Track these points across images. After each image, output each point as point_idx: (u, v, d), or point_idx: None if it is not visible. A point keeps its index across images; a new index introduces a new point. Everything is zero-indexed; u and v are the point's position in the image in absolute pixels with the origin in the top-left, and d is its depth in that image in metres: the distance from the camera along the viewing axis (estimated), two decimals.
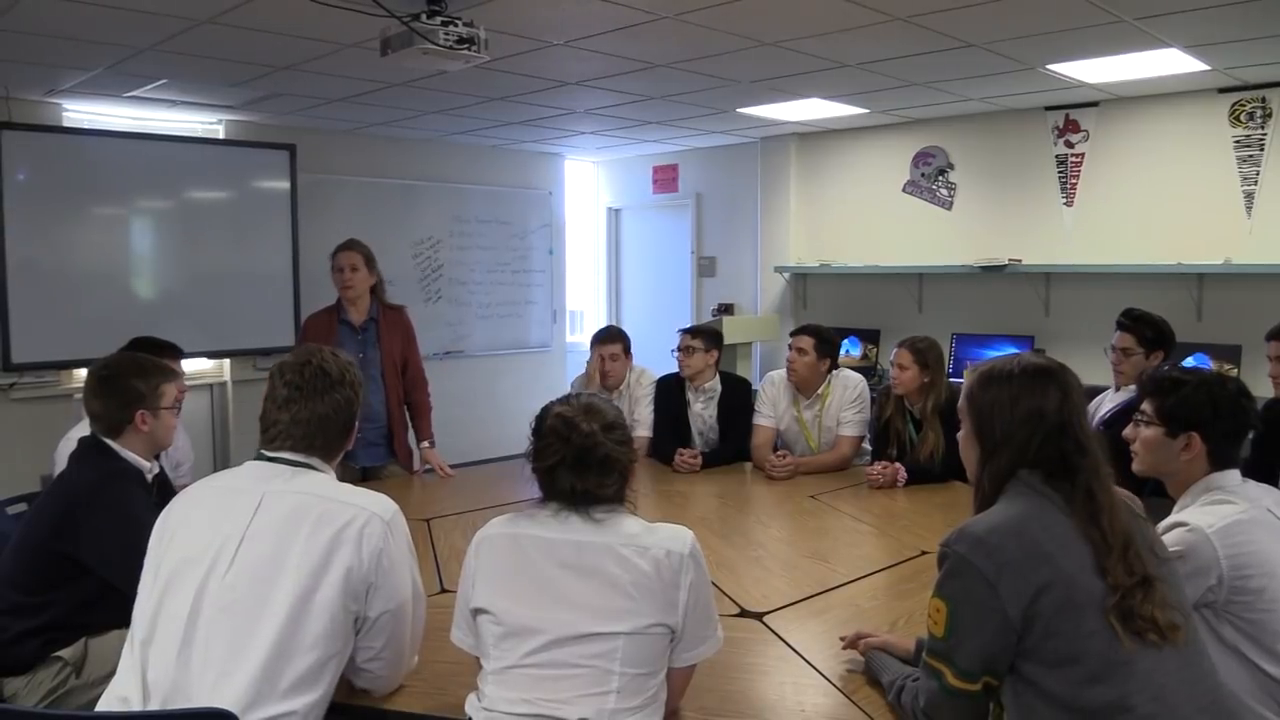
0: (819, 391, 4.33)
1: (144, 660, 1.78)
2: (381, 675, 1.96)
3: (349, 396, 2.01)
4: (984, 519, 1.72)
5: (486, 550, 1.86)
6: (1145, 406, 2.24)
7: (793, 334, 4.40)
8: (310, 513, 1.84)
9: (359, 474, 4.22)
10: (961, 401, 1.89)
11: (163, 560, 1.86)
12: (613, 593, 1.75)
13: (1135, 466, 2.26)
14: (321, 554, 1.80)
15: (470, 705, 1.80)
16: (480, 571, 1.85)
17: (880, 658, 2.05)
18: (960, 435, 1.91)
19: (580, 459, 1.82)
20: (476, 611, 1.82)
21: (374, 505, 1.90)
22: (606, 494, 1.84)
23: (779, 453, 4.23)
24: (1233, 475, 2.17)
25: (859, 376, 4.43)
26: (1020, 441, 1.75)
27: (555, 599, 1.76)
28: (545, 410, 1.92)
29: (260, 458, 1.97)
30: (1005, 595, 1.60)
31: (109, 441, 2.57)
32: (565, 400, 1.94)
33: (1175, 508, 2.18)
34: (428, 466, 4.29)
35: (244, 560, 1.80)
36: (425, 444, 4.32)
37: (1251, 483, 2.18)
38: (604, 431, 1.85)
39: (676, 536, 1.83)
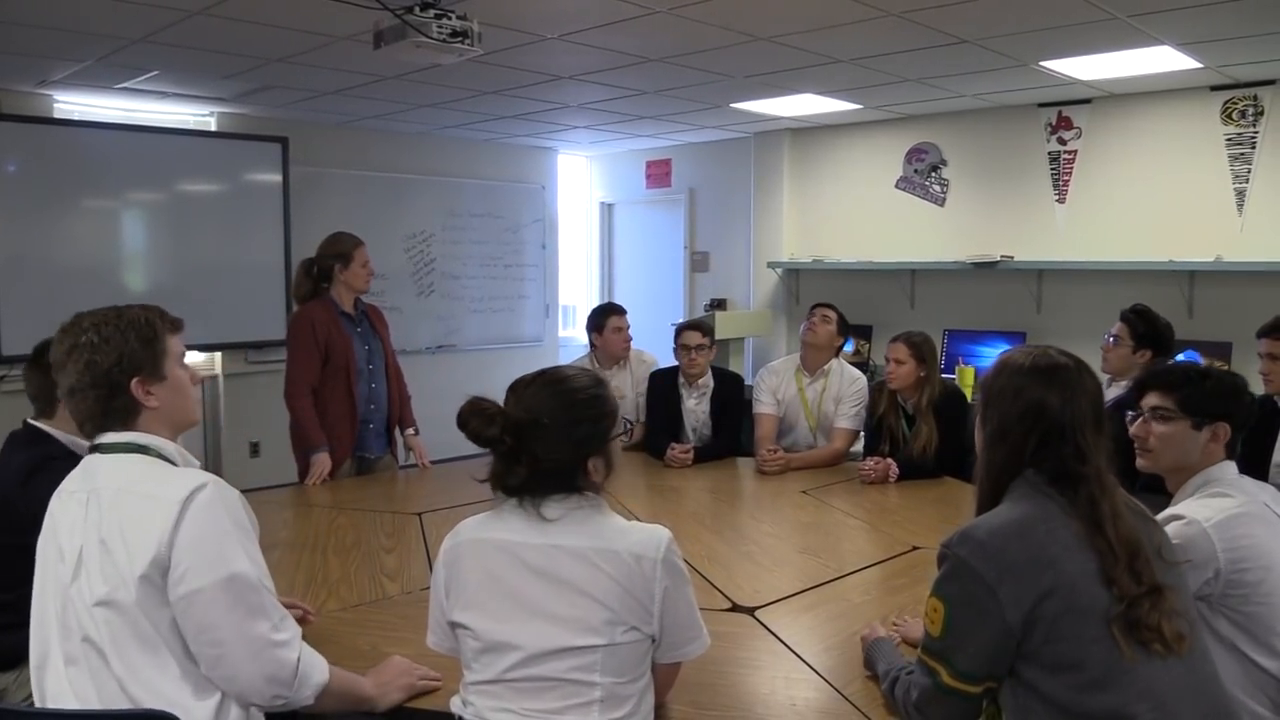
0: (824, 368, 4.39)
1: (41, 685, 1.71)
2: (219, 675, 1.67)
3: (88, 359, 1.76)
4: (986, 521, 1.67)
5: (454, 561, 1.79)
6: (1162, 402, 2.19)
7: (816, 306, 4.53)
8: (108, 506, 1.70)
9: (359, 464, 4.23)
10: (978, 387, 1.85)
11: (34, 583, 1.78)
12: (585, 602, 1.69)
13: (1146, 464, 2.23)
14: (117, 550, 1.66)
15: (455, 706, 1.78)
16: (452, 583, 1.78)
17: (880, 645, 2.03)
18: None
19: (500, 457, 1.77)
20: (454, 624, 1.78)
21: (169, 488, 1.69)
22: (544, 489, 1.75)
23: (771, 448, 4.24)
24: (1230, 468, 2.17)
25: (860, 373, 4.50)
26: (1016, 438, 1.71)
27: (528, 610, 1.70)
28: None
29: (92, 450, 1.83)
30: (1005, 600, 1.58)
31: (40, 425, 2.54)
32: (522, 382, 1.83)
33: (1173, 501, 2.18)
34: (411, 459, 4.34)
35: (83, 573, 1.69)
36: (410, 431, 4.36)
37: (1247, 478, 2.18)
38: (519, 431, 1.74)
39: (649, 540, 1.73)
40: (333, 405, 4.04)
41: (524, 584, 1.72)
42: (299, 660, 1.72)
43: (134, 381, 1.79)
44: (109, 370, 1.78)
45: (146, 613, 1.65)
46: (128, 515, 1.69)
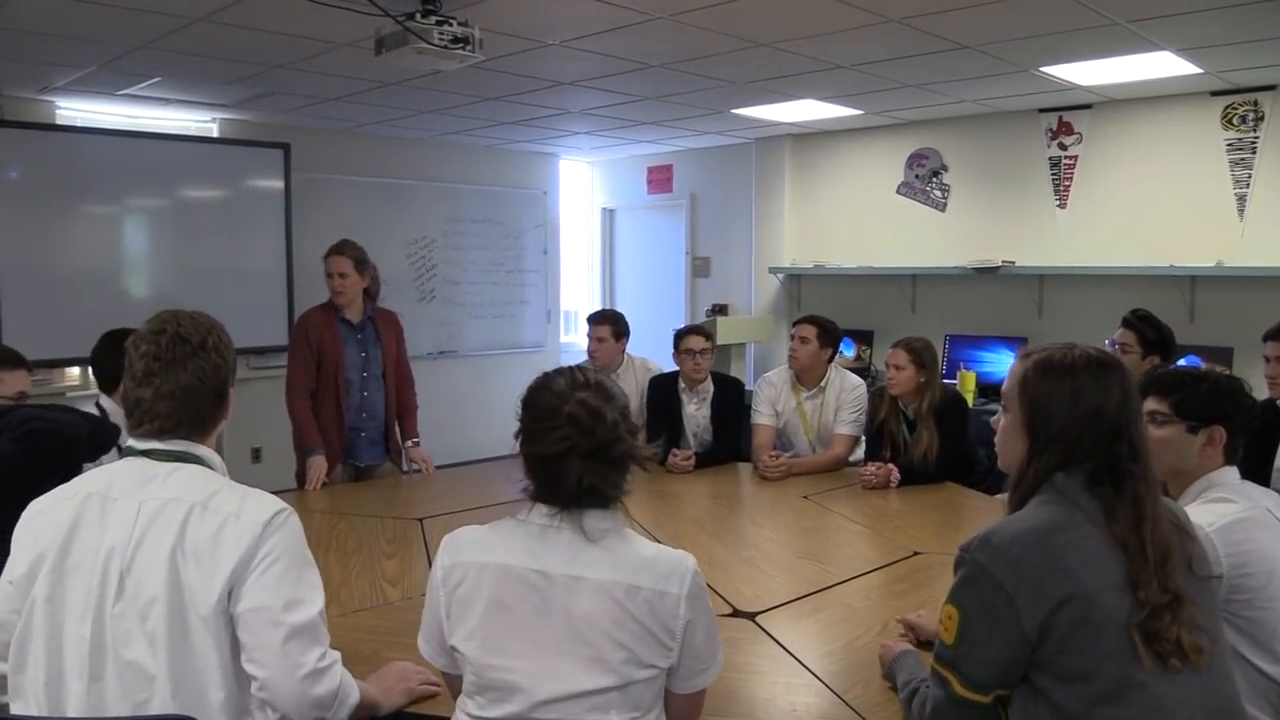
0: (821, 383, 4.37)
1: (56, 699, 1.63)
2: (268, 694, 1.67)
3: (216, 363, 1.78)
4: (1007, 527, 1.64)
5: (458, 583, 1.67)
6: (1158, 406, 2.19)
7: (795, 323, 4.46)
8: (177, 520, 1.65)
9: (354, 472, 4.24)
10: (1011, 388, 1.77)
11: (39, 586, 1.66)
12: (603, 641, 1.59)
13: None
14: (189, 567, 1.63)
15: None
16: (453, 606, 1.67)
17: (904, 658, 2.02)
18: (1002, 424, 1.80)
19: (594, 454, 1.63)
20: (454, 649, 1.69)
21: (248, 508, 1.69)
22: (613, 491, 1.66)
23: (772, 453, 4.24)
24: (1232, 473, 2.17)
25: (859, 379, 4.47)
26: (1074, 440, 1.66)
27: (540, 648, 1.61)
28: (547, 387, 1.70)
29: (130, 452, 1.76)
30: (1022, 608, 1.55)
31: None
32: (570, 376, 1.72)
33: None
34: (415, 467, 4.32)
35: (130, 585, 1.63)
36: (410, 443, 4.33)
37: (1250, 483, 2.18)
38: (623, 422, 1.67)
39: (673, 573, 1.64)
40: (324, 411, 4.08)
41: (537, 618, 1.62)
42: (340, 683, 1.74)
43: (230, 392, 1.83)
44: (226, 378, 1.81)
45: (214, 631, 1.64)
46: (207, 533, 1.65)
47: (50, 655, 1.65)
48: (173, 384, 1.74)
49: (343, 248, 4.11)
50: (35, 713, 1.64)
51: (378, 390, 4.20)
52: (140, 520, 1.66)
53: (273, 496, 1.75)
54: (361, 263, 4.12)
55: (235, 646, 1.66)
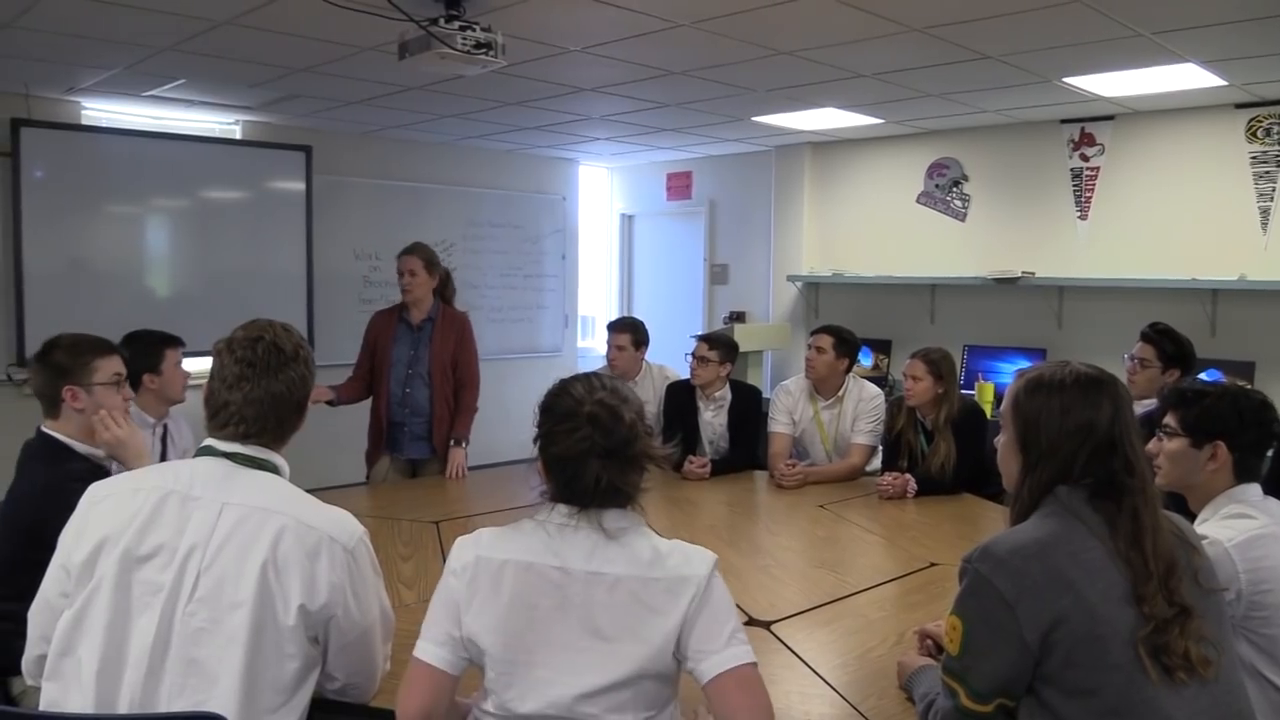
0: (838, 393, 4.35)
1: (105, 689, 1.62)
2: (349, 696, 1.85)
3: (302, 374, 1.85)
4: (1009, 538, 1.65)
5: (475, 577, 1.67)
6: (1169, 420, 2.22)
7: (812, 333, 4.46)
8: (269, 532, 1.68)
9: (407, 466, 4.42)
10: (1005, 407, 1.80)
11: (105, 570, 1.66)
12: (618, 634, 1.61)
13: (1158, 480, 2.23)
14: (280, 580, 1.67)
15: None
16: (474, 600, 1.66)
17: (922, 672, 2.01)
18: (1000, 443, 1.83)
19: (612, 453, 1.66)
20: (470, 641, 1.66)
21: (337, 530, 1.74)
22: (631, 490, 1.70)
23: (789, 461, 4.23)
24: (1253, 489, 2.15)
25: (877, 389, 4.46)
26: (1066, 455, 1.67)
27: (558, 643, 1.62)
28: (566, 392, 1.73)
29: (210, 452, 1.79)
30: (1023, 619, 1.56)
31: (56, 435, 2.45)
32: (587, 382, 1.74)
33: (1195, 522, 2.17)
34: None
35: (206, 585, 1.65)
36: (452, 442, 4.36)
37: (1272, 500, 2.17)
38: (639, 422, 1.71)
39: (690, 560, 1.67)
40: (377, 404, 4.38)
41: (558, 615, 1.63)
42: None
43: (308, 405, 1.89)
44: (309, 390, 1.88)
45: (292, 640, 1.67)
46: (301, 552, 1.69)
47: (110, 643, 1.64)
48: (263, 390, 1.80)
49: (414, 248, 4.34)
50: (78, 698, 1.64)
51: (421, 388, 4.34)
52: (223, 523, 1.69)
53: (352, 518, 1.80)
54: (432, 264, 4.32)
55: (304, 655, 1.70)
